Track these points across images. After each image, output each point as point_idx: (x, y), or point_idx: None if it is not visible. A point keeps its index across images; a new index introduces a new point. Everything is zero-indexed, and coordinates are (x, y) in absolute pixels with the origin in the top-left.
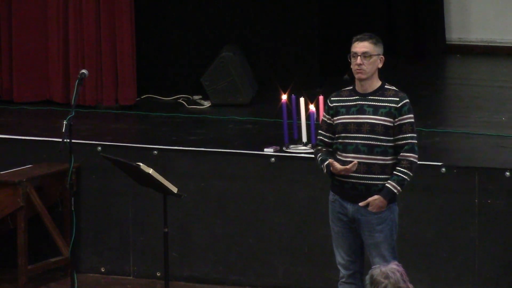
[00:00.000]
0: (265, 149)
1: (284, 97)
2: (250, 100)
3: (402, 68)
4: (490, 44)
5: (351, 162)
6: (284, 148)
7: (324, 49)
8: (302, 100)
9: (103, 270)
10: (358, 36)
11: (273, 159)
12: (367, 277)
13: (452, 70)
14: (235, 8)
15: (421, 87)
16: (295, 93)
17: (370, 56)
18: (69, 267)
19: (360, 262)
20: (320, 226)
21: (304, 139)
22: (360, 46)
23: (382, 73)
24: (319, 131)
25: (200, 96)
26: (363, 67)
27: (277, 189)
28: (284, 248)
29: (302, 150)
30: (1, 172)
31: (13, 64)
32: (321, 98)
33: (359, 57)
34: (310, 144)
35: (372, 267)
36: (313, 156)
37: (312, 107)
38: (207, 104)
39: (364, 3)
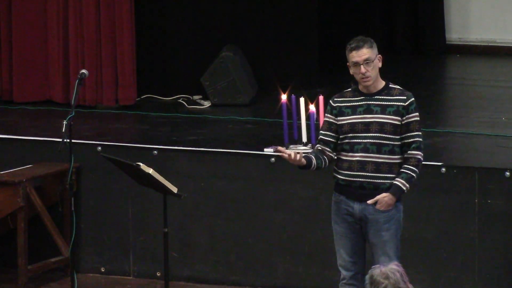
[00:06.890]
0: (265, 149)
1: (284, 97)
2: (250, 100)
3: (402, 68)
4: (490, 44)
5: (358, 161)
6: (284, 148)
7: (323, 49)
8: (302, 100)
9: (103, 270)
10: (353, 45)
11: (273, 159)
12: (367, 277)
13: (452, 70)
14: (235, 8)
15: (421, 87)
16: (295, 93)
17: (372, 61)
18: (69, 267)
19: (362, 264)
20: (321, 226)
21: (304, 139)
22: (360, 55)
23: (382, 73)
24: (320, 132)
25: (200, 96)
26: (368, 73)
27: (277, 189)
28: (284, 248)
29: (302, 150)
30: (1, 172)
31: (13, 64)
32: (321, 98)
33: (362, 66)
34: (310, 144)
35: (372, 267)
36: None
37: (312, 107)
38: (207, 104)
39: (364, 3)
